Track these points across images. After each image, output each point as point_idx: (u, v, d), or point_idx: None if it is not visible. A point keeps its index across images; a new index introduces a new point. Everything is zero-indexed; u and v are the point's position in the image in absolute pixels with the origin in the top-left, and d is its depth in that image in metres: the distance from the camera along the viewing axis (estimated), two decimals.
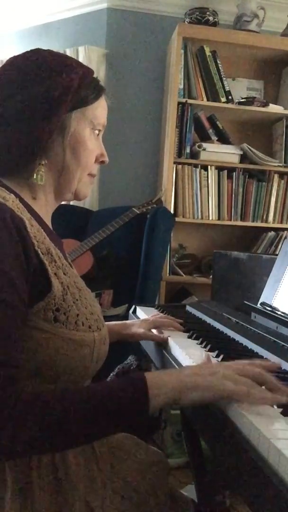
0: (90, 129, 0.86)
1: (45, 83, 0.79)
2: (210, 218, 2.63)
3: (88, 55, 2.69)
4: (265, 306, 1.23)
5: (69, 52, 2.71)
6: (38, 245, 0.74)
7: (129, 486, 0.82)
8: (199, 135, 2.71)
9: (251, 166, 2.65)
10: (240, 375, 0.69)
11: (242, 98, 2.58)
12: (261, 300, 1.27)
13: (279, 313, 1.15)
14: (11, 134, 0.78)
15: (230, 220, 2.65)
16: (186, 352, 0.89)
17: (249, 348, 0.97)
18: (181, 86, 2.53)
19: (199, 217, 2.62)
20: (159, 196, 2.49)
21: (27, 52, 0.84)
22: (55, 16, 2.92)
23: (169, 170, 2.55)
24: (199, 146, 2.57)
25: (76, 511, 0.74)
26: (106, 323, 0.93)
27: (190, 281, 2.63)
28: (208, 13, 2.57)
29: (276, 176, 2.67)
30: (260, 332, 1.07)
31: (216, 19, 2.59)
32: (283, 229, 2.69)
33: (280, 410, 0.64)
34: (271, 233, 2.68)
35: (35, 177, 0.82)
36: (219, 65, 2.55)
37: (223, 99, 2.55)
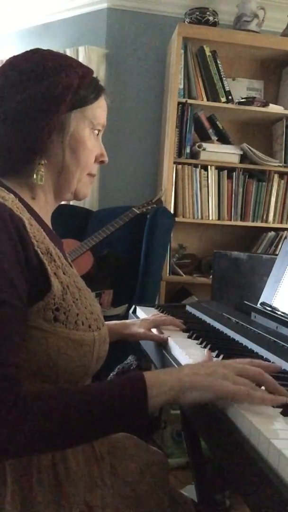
0: (90, 129, 0.86)
1: (45, 83, 0.79)
2: (210, 218, 2.63)
3: (88, 55, 2.69)
4: (265, 306, 1.23)
5: (69, 52, 2.71)
6: (38, 245, 0.74)
7: (129, 486, 0.82)
8: (199, 135, 2.71)
9: (251, 166, 2.64)
10: (239, 375, 0.69)
11: (242, 98, 2.58)
12: (261, 300, 1.27)
13: (279, 313, 1.15)
14: (11, 134, 0.78)
15: (230, 220, 2.65)
16: (186, 352, 0.90)
17: (249, 348, 0.97)
18: (181, 86, 2.53)
19: (199, 217, 2.61)
20: (159, 196, 2.49)
21: (27, 52, 0.84)
22: (55, 16, 2.92)
23: (169, 170, 2.54)
24: (199, 146, 2.57)
25: (76, 511, 0.74)
26: (106, 322, 0.93)
27: (190, 281, 2.63)
28: (208, 13, 2.56)
29: (276, 176, 2.67)
30: (260, 332, 1.07)
31: (216, 19, 2.59)
32: (283, 229, 2.69)
33: (280, 410, 0.64)
34: (271, 233, 2.68)
35: (34, 177, 0.82)
36: (219, 65, 2.54)
37: (223, 99, 2.55)
